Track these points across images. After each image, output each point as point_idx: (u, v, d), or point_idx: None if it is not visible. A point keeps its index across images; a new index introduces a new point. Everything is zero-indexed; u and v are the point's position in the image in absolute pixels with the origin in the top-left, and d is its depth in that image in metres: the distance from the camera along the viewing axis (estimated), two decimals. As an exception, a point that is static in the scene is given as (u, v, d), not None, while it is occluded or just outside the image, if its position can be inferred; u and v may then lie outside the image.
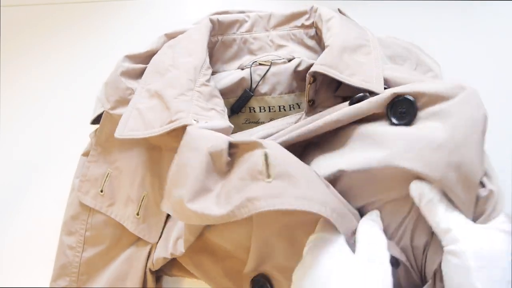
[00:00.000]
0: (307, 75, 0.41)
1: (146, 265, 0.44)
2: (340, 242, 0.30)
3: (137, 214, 0.44)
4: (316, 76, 0.41)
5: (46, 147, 0.56)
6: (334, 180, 0.35)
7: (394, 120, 0.33)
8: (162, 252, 0.42)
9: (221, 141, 0.34)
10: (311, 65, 0.47)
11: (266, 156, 0.31)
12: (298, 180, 0.30)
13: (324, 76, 0.40)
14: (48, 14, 0.62)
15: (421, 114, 0.32)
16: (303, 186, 0.30)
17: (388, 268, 0.28)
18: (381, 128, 0.34)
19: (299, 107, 0.50)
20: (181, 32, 0.50)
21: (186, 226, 0.39)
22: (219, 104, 0.43)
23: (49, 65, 0.60)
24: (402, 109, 0.33)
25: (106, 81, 0.47)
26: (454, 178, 0.28)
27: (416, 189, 0.30)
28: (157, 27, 0.55)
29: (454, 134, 0.28)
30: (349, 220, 0.31)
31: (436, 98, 0.32)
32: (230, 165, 0.34)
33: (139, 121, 0.41)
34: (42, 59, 0.60)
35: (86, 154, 0.49)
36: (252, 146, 0.33)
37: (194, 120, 0.38)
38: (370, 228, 0.31)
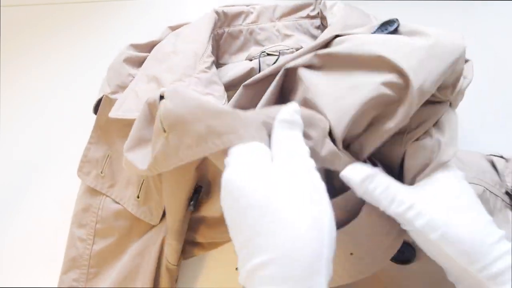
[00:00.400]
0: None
1: (158, 260, 0.44)
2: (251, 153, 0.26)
3: (137, 196, 0.44)
4: None
5: (46, 147, 0.56)
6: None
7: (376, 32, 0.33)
8: (167, 245, 0.42)
9: (156, 92, 0.32)
10: None
11: (161, 109, 0.30)
12: (192, 123, 0.28)
13: None
14: (48, 14, 0.62)
15: (402, 33, 0.32)
16: (201, 127, 0.27)
17: (310, 160, 0.26)
18: (362, 34, 0.33)
19: None
20: (185, 24, 0.51)
21: (167, 211, 0.39)
22: (218, 90, 0.42)
23: (49, 65, 0.60)
24: (385, 29, 0.33)
25: (109, 66, 0.48)
26: (421, 79, 0.27)
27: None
28: (157, 27, 0.55)
29: (435, 45, 0.28)
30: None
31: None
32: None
33: (134, 103, 0.41)
34: (42, 59, 0.60)
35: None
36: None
37: None
38: (282, 129, 0.28)
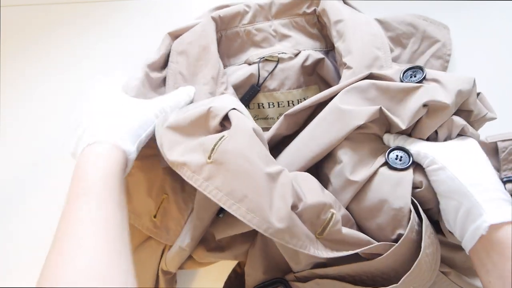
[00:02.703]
0: None
1: (158, 267, 0.43)
2: None
3: (154, 216, 0.43)
4: None
5: (46, 147, 0.56)
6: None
7: (406, 80, 0.41)
8: (174, 248, 0.42)
9: (223, 107, 0.37)
10: (317, 60, 0.48)
11: (220, 139, 0.34)
12: (234, 177, 0.33)
13: None
14: (48, 14, 0.62)
15: (427, 79, 0.41)
16: (239, 188, 0.33)
17: None
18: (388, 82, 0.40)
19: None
20: (184, 30, 0.50)
21: (195, 211, 0.40)
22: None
23: (49, 65, 0.60)
24: (414, 75, 0.41)
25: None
26: (453, 106, 0.38)
27: (385, 140, 0.41)
28: (158, 27, 0.55)
29: (452, 103, 0.38)
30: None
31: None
32: (216, 131, 0.38)
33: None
34: (42, 59, 0.60)
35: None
36: (230, 125, 0.36)
37: None
38: None
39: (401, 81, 0.41)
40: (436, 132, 0.40)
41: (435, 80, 0.40)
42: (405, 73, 0.41)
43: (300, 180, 0.37)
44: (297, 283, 0.39)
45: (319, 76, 0.51)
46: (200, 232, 0.40)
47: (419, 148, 0.38)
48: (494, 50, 0.55)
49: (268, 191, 0.33)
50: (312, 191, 0.36)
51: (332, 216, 0.35)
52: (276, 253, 0.40)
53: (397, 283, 0.34)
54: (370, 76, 0.42)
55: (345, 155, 0.39)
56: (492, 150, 0.39)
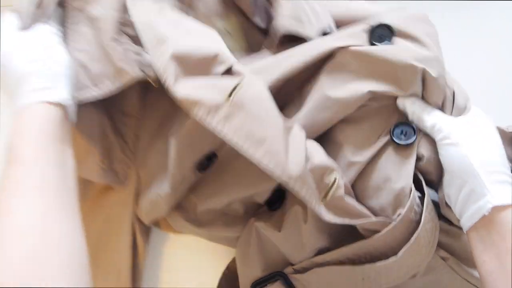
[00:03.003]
0: (278, 38, 0.41)
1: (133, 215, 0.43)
2: None
3: (101, 161, 0.41)
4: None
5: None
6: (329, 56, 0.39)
7: (375, 43, 0.38)
8: (150, 195, 0.41)
9: (230, 57, 0.36)
10: None
11: (238, 84, 0.34)
12: (252, 117, 0.33)
13: None
14: (49, 13, 0.62)
15: (396, 37, 0.38)
16: (254, 124, 0.33)
17: None
18: (366, 47, 0.38)
19: (230, 35, 0.45)
20: None
21: (173, 160, 0.39)
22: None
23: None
24: (381, 33, 0.38)
25: None
26: (437, 72, 0.37)
27: (400, 105, 0.38)
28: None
29: (434, 53, 0.37)
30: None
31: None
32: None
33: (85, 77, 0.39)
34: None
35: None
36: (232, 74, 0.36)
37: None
38: None
39: (369, 43, 0.38)
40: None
41: (414, 41, 0.38)
42: (373, 34, 0.38)
43: (308, 143, 0.37)
44: (296, 275, 0.39)
45: (235, 5, 0.45)
46: (178, 183, 0.39)
47: (436, 120, 0.36)
48: (494, 50, 0.55)
49: (285, 139, 0.34)
50: (318, 153, 0.36)
51: (335, 181, 0.35)
52: (273, 250, 0.40)
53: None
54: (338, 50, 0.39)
55: (345, 139, 0.39)
56: (509, 140, 0.38)
